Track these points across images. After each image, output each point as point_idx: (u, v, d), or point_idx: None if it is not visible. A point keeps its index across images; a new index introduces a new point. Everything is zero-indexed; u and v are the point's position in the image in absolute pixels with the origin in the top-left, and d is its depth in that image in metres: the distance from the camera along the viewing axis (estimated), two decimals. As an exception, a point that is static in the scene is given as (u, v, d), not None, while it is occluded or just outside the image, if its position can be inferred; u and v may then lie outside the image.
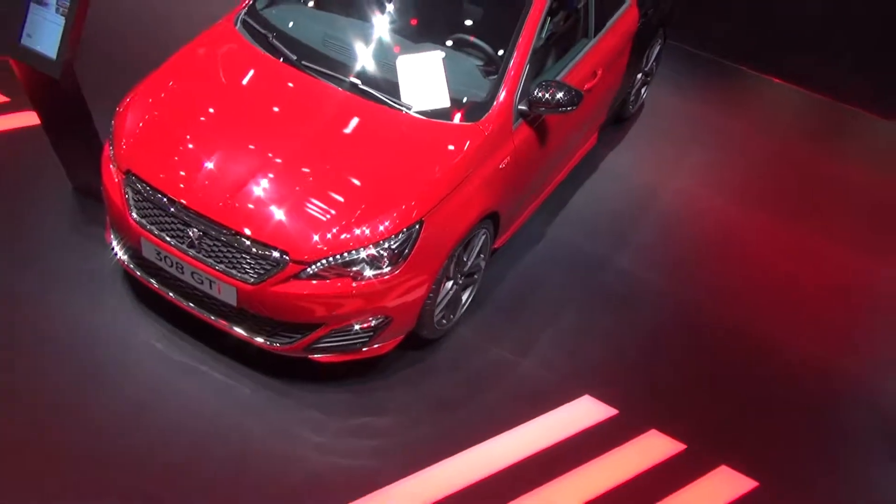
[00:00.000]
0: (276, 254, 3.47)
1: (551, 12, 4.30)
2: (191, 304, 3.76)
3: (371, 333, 3.70)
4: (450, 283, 4.00)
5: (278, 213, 3.53)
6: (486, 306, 4.41)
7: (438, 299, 3.93)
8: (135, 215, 3.70)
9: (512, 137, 4.04)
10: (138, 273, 3.87)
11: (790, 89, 6.79)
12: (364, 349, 3.77)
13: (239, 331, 3.71)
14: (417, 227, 3.59)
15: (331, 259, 3.48)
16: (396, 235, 3.55)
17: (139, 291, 4.11)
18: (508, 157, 4.01)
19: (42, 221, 4.43)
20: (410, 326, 3.89)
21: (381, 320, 3.67)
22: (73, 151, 4.41)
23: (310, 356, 3.73)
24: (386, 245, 3.53)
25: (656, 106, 6.22)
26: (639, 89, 5.90)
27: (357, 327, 3.65)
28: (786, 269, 5.09)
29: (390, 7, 4.35)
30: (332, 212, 3.54)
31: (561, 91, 4.02)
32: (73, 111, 4.17)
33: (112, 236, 3.96)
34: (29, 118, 4.97)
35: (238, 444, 3.62)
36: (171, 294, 3.80)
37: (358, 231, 3.51)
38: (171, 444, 3.57)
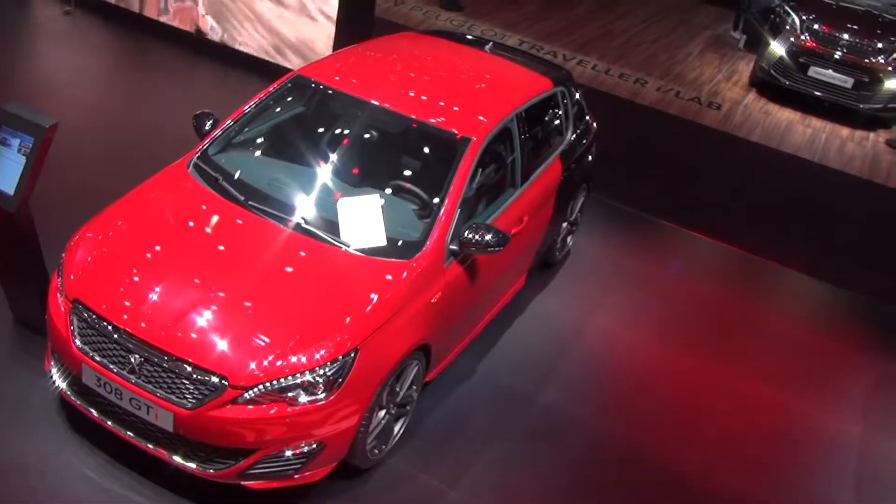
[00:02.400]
0: (214, 379, 3.62)
1: (481, 164, 4.72)
2: (128, 433, 3.84)
3: (304, 460, 3.80)
4: (382, 413, 4.16)
5: (217, 341, 3.70)
6: (417, 437, 4.55)
7: (371, 428, 4.07)
8: (78, 342, 3.84)
9: (443, 274, 4.33)
10: (76, 400, 3.95)
11: (700, 239, 7.34)
12: (296, 476, 3.85)
13: (173, 458, 3.77)
14: (353, 355, 3.79)
15: (267, 385, 3.64)
16: (332, 363, 3.73)
17: (75, 421, 4.16)
18: (440, 293, 4.29)
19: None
20: (343, 454, 4.00)
21: (314, 446, 3.79)
22: (18, 283, 4.55)
23: (243, 482, 3.80)
24: (321, 372, 3.71)
25: (581, 253, 6.65)
26: (564, 237, 6.32)
27: (290, 453, 3.76)
28: (702, 402, 5.36)
29: (333, 155, 4.73)
30: (269, 340, 3.72)
31: (489, 233, 4.36)
32: (23, 244, 4.35)
33: (52, 364, 4.06)
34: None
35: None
36: (107, 422, 3.87)
37: (294, 358, 3.69)
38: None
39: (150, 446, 3.80)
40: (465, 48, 5.91)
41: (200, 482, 3.84)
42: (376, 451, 4.24)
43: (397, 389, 4.22)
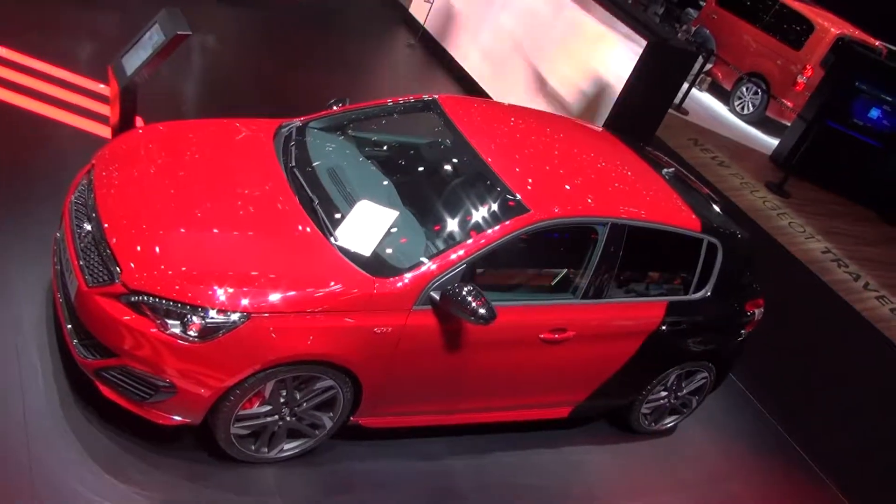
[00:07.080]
0: (115, 269, 3.66)
1: (532, 243, 4.22)
2: (57, 288, 4.03)
3: (152, 392, 3.66)
4: (266, 408, 3.85)
5: (143, 244, 3.74)
6: (313, 471, 4.13)
7: (241, 412, 3.79)
8: (72, 197, 4.16)
9: (407, 314, 3.91)
10: (52, 249, 4.27)
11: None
12: (143, 405, 3.71)
13: (67, 325, 3.87)
14: (241, 317, 3.58)
15: (151, 298, 3.57)
16: (218, 312, 3.56)
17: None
18: (390, 329, 3.88)
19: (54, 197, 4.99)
20: (199, 418, 3.77)
21: (165, 384, 3.62)
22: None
23: (97, 382, 3.76)
24: (203, 314, 3.55)
25: (682, 441, 5.58)
26: (662, 409, 5.36)
27: (142, 378, 3.64)
28: None
29: (399, 170, 4.61)
30: (184, 264, 3.67)
31: (483, 307, 3.83)
32: (124, 119, 4.89)
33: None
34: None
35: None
36: (56, 276, 4.11)
37: (191, 289, 3.57)
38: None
39: (64, 309, 3.95)
40: (639, 160, 5.34)
41: (90, 383, 3.83)
42: (252, 448, 3.95)
43: (297, 397, 3.88)
